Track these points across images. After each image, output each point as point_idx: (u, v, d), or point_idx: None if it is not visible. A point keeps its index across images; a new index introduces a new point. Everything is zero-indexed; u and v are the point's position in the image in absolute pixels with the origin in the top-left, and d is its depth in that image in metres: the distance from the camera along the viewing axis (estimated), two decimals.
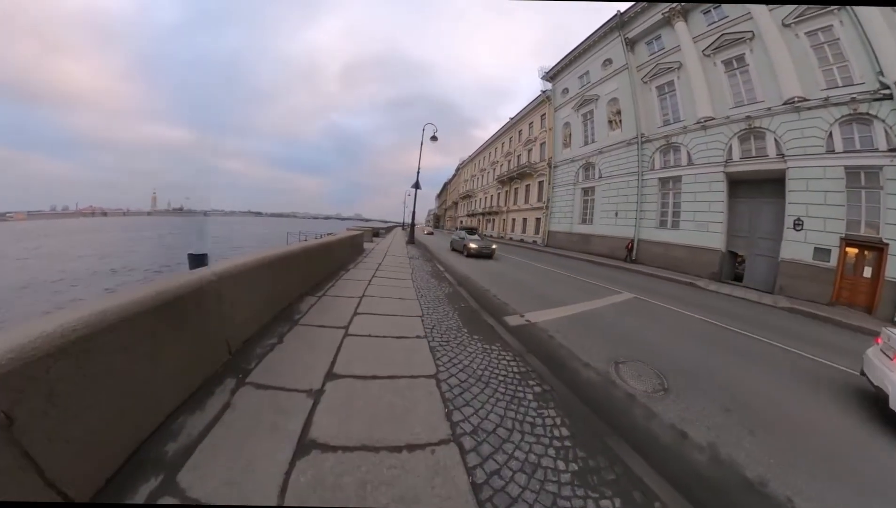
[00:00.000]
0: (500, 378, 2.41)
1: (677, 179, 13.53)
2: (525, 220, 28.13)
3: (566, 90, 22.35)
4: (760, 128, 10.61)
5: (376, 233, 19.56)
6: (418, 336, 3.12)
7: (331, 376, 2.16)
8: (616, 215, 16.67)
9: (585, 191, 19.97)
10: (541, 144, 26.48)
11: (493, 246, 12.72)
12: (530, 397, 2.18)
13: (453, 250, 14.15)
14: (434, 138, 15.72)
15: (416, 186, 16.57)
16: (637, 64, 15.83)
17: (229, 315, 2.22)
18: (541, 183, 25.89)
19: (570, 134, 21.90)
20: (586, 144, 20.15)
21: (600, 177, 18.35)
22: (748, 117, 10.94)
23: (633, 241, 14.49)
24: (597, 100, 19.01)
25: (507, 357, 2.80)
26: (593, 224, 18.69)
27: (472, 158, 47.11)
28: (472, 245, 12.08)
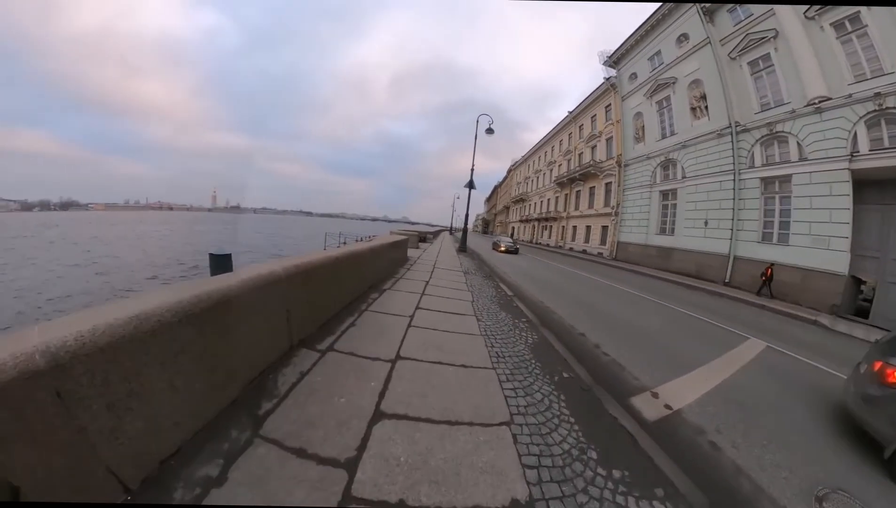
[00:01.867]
0: None
1: (785, 178, 11.91)
2: (589, 228, 26.99)
3: (634, 75, 21.36)
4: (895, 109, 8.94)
5: (423, 238, 18.79)
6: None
7: None
8: (705, 224, 15.19)
9: (664, 194, 18.58)
10: (607, 140, 25.48)
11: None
12: None
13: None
14: (490, 131, 15.74)
15: (470, 185, 16.12)
16: (721, 37, 14.56)
17: None
18: (608, 185, 24.78)
19: (643, 126, 20.74)
20: (664, 137, 18.88)
21: (684, 177, 16.97)
22: (878, 95, 9.28)
23: (771, 266, 11.26)
24: (674, 84, 17.83)
25: None
26: (675, 235, 17.23)
27: (525, 159, 46.97)
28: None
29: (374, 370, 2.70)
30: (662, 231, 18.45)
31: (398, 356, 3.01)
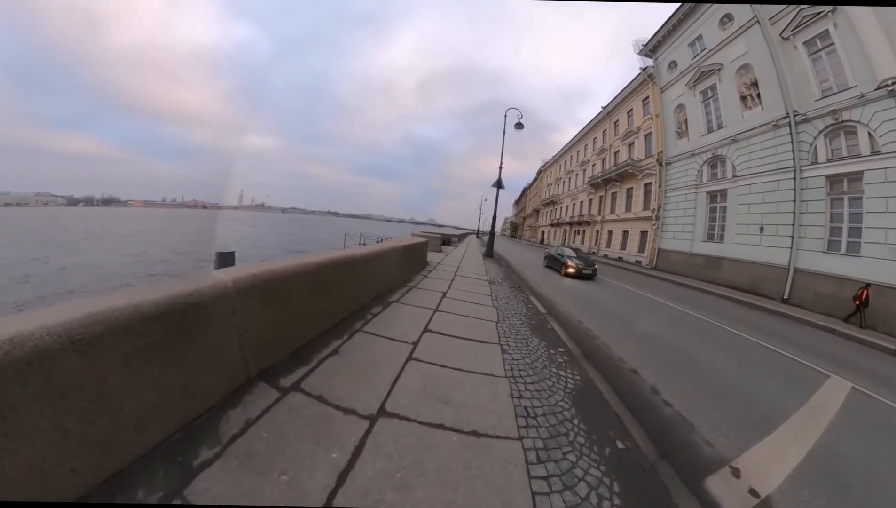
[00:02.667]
0: None
1: (855, 176, 10.59)
2: (626, 233, 25.70)
3: (673, 64, 20.24)
4: None
5: (447, 241, 18.30)
6: None
7: None
8: (761, 230, 13.88)
9: (712, 196, 17.30)
10: (646, 136, 24.32)
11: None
12: None
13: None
14: (519, 126, 15.46)
15: (498, 184, 15.77)
16: (770, 15, 13.39)
17: None
18: (647, 186, 23.57)
19: (686, 120, 19.57)
20: (711, 131, 17.66)
21: (735, 176, 15.70)
22: None
23: (866, 288, 9.08)
24: (719, 70, 16.66)
25: None
26: (725, 243, 15.91)
27: (556, 159, 45.99)
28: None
29: (343, 429, 2.02)
30: (710, 238, 17.11)
31: (382, 411, 2.27)
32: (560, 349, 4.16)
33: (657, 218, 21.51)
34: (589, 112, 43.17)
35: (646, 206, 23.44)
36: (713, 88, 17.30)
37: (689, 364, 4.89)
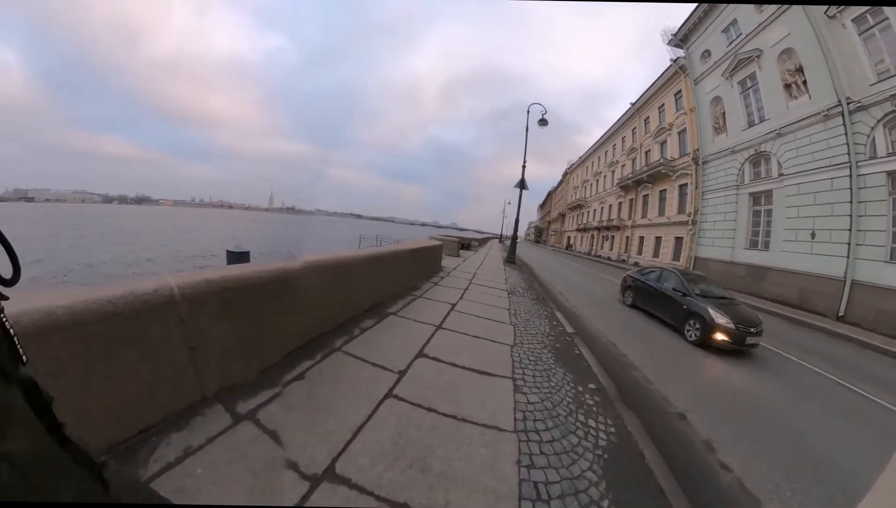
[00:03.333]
0: None
1: None
2: (659, 240, 24.39)
3: (707, 53, 19.22)
4: None
5: (466, 245, 17.53)
6: None
7: None
8: (812, 236, 12.63)
9: (756, 198, 16.08)
10: (679, 133, 23.19)
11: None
12: None
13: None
14: (543, 122, 15.03)
15: (521, 185, 15.15)
16: None
17: None
18: (682, 187, 22.38)
19: (724, 113, 18.46)
20: (752, 124, 16.52)
21: (781, 175, 14.51)
22: None
23: None
24: (759, 57, 15.57)
25: None
26: (770, 251, 14.63)
27: (583, 160, 44.92)
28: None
29: (277, 487, 1.65)
30: (753, 245, 15.82)
31: (329, 472, 1.78)
32: (590, 386, 3.46)
33: (693, 223, 20.27)
34: (615, 113, 41.91)
35: (681, 209, 22.22)
36: (752, 76, 16.17)
37: (748, 406, 4.08)
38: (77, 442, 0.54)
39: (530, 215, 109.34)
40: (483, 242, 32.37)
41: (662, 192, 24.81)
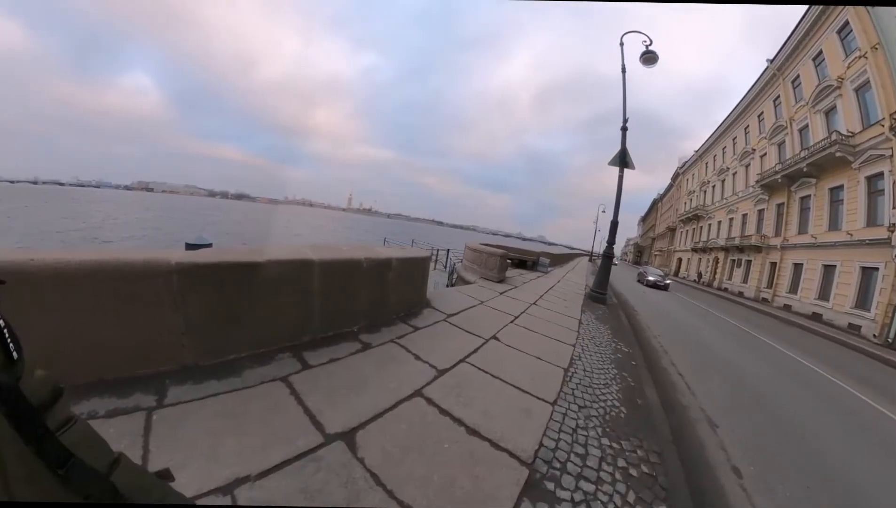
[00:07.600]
0: None
1: None
2: (829, 270, 15.76)
3: None
4: None
5: (521, 262, 13.43)
6: None
7: None
8: None
9: None
10: (856, 90, 15.10)
11: None
12: None
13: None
14: (650, 58, 7.31)
15: (622, 158, 9.46)
16: None
17: None
18: (871, 180, 14.32)
19: None
20: None
21: None
22: None
23: None
24: None
25: None
26: None
27: (701, 154, 34.81)
28: None
29: None
30: None
31: None
32: None
33: None
34: (725, 112, 29.71)
35: (870, 219, 13.98)
36: None
37: None
38: (82, 457, 0.49)
39: (629, 229, 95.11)
40: (567, 258, 25.99)
41: (835, 190, 16.23)
